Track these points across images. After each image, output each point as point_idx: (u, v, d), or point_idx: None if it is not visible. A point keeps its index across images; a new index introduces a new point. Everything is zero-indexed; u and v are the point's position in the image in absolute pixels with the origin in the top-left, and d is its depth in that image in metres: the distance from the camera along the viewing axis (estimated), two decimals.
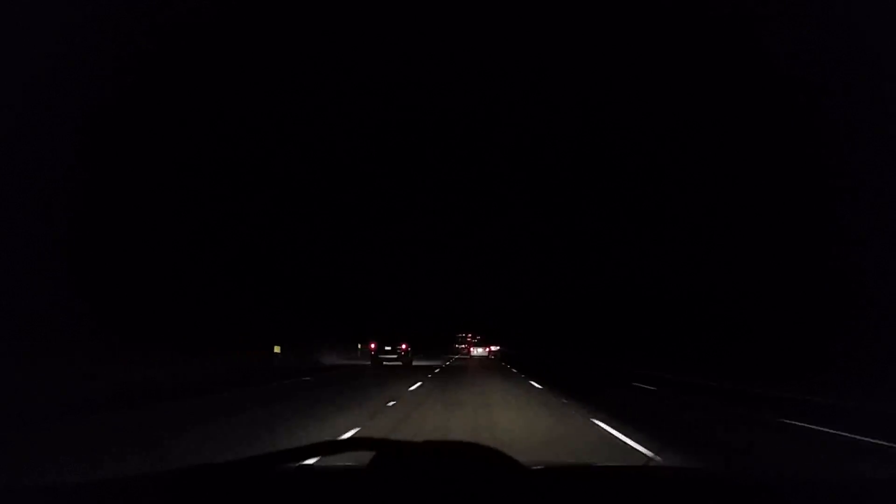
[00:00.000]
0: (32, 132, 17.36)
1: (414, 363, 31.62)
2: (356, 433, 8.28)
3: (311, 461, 1.81)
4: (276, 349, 26.02)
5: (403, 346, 30.79)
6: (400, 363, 30.14)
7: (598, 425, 9.25)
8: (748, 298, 28.93)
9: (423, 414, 10.60)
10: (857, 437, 8.85)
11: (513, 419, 10.12)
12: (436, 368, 29.80)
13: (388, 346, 30.56)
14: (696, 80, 37.46)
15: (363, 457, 1.50)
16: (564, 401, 13.62)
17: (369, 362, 30.60)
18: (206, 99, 29.47)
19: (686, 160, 40.66)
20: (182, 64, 26.56)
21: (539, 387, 18.02)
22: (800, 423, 10.36)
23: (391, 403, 12.16)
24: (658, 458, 6.62)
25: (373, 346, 30.89)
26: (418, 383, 18.18)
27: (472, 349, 60.59)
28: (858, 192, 22.41)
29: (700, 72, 35.98)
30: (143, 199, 22.69)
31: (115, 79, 21.56)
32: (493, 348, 71.39)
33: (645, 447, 7.26)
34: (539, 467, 2.00)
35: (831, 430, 9.48)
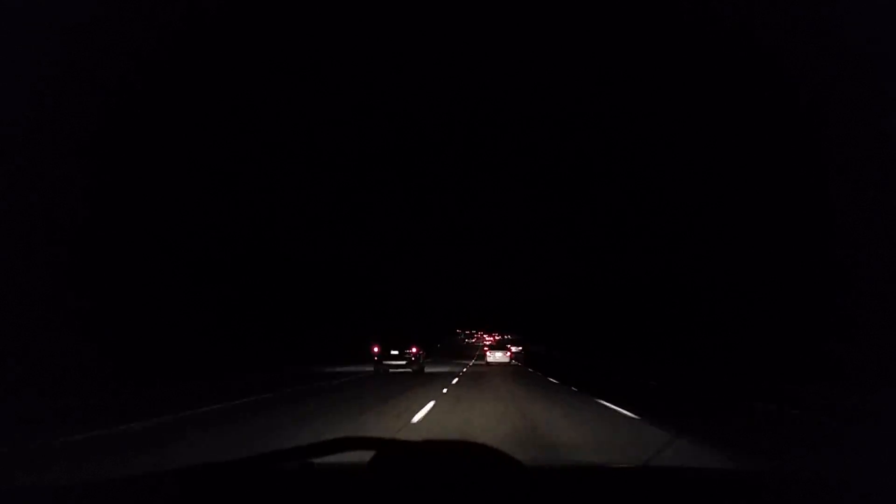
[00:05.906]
0: (35, 135, 17.49)
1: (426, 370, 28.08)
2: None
3: (311, 460, 1.81)
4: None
5: (414, 350, 26.78)
6: (409, 370, 26.34)
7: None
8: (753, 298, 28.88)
9: None
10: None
11: None
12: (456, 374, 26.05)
13: (394, 349, 26.48)
14: (701, 74, 37.47)
15: (363, 456, 1.50)
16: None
17: (371, 368, 26.82)
18: (209, 101, 29.64)
19: (680, 159, 40.65)
20: (188, 67, 26.66)
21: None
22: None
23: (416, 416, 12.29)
24: (661, 454, 6.62)
25: (376, 349, 26.57)
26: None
27: (487, 353, 50.46)
28: (857, 191, 22.39)
29: (705, 65, 36.01)
30: (149, 205, 22.89)
31: (118, 81, 21.61)
32: (513, 349, 62.03)
33: None
34: (539, 466, 2.00)
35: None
